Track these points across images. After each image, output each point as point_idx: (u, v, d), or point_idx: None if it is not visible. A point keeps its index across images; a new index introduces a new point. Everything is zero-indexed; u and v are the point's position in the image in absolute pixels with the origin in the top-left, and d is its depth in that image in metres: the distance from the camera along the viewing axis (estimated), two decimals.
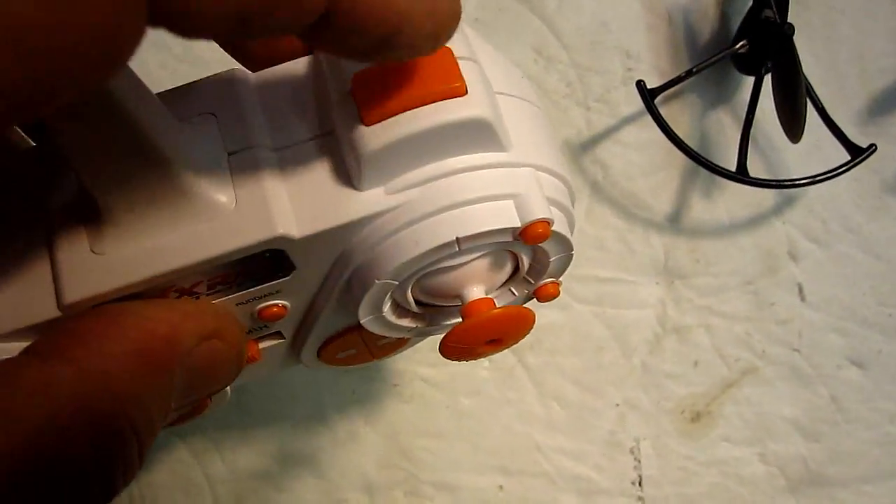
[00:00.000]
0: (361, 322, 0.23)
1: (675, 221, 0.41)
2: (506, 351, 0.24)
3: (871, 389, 0.42)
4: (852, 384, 0.41)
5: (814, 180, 0.39)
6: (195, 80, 0.21)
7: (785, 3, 0.38)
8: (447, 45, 0.18)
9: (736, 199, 0.41)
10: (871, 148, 0.38)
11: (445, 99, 0.19)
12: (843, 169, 0.38)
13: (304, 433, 0.39)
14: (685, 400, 0.41)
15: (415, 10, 0.16)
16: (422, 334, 0.25)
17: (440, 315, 0.24)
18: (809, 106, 0.38)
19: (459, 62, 0.19)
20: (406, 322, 0.24)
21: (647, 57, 0.41)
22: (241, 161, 0.20)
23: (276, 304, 0.22)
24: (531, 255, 0.23)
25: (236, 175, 0.19)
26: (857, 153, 0.38)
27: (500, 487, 0.39)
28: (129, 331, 0.18)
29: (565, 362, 0.40)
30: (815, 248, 0.42)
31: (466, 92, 0.19)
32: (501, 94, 0.21)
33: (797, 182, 0.39)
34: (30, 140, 0.21)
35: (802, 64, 0.36)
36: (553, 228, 0.21)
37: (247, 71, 0.21)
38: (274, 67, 0.21)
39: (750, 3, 0.39)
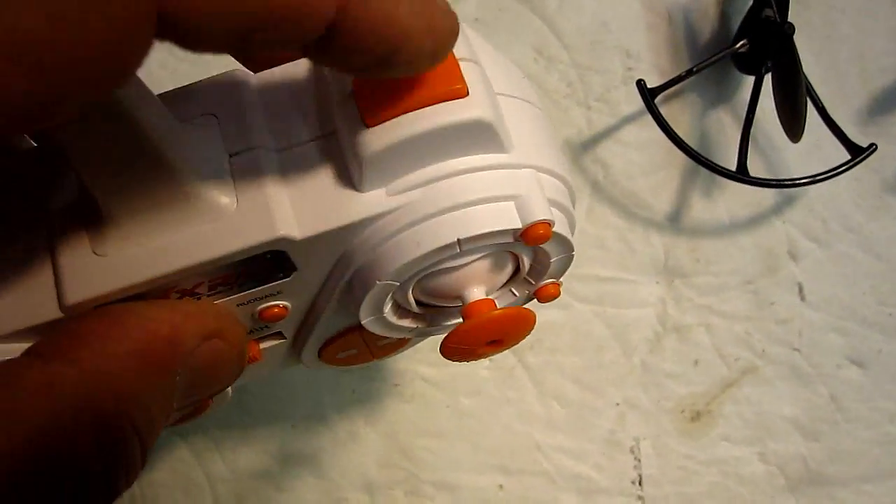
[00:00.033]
0: (362, 323, 0.23)
1: (675, 221, 0.41)
2: (506, 350, 0.24)
3: (871, 389, 0.42)
4: (852, 383, 0.42)
5: (814, 180, 0.39)
6: (196, 80, 0.21)
7: (785, 3, 0.38)
8: None
9: (736, 199, 0.41)
10: (872, 147, 0.38)
11: (447, 100, 0.19)
12: (844, 168, 0.38)
13: (305, 433, 0.39)
14: (685, 399, 0.41)
15: (415, 28, 0.16)
16: (422, 335, 0.25)
17: (441, 315, 0.24)
18: (810, 105, 0.38)
19: (460, 63, 0.19)
20: (407, 322, 0.24)
21: (648, 56, 0.41)
22: (242, 162, 0.20)
23: (277, 305, 0.22)
24: (532, 255, 0.23)
25: (237, 176, 0.19)
26: (858, 153, 0.38)
27: (501, 487, 0.40)
28: (132, 331, 0.18)
29: (565, 361, 0.40)
30: (816, 248, 0.42)
31: (468, 93, 0.19)
32: (502, 95, 0.21)
33: (797, 181, 0.39)
34: (30, 140, 0.21)
35: (802, 63, 0.36)
36: (554, 229, 0.21)
37: (248, 72, 0.21)
38: (275, 69, 0.21)
39: (750, 3, 0.39)
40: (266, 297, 0.22)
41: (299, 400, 0.39)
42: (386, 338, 0.25)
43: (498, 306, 0.22)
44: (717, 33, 0.41)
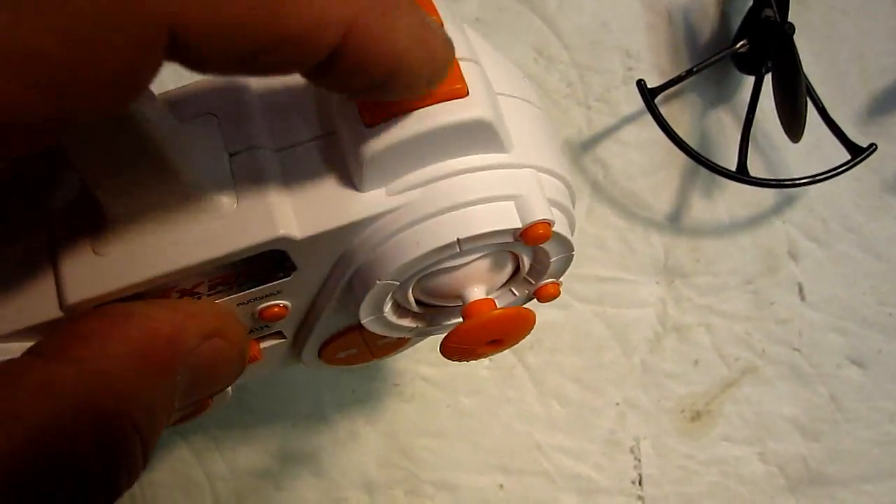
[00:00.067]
0: (362, 322, 0.23)
1: (675, 221, 0.41)
2: (506, 350, 0.24)
3: (871, 389, 0.42)
4: (852, 383, 0.42)
5: (814, 180, 0.39)
6: (196, 80, 0.21)
7: (785, 3, 0.38)
8: None
9: (736, 199, 0.41)
10: (872, 147, 0.38)
11: (447, 100, 0.19)
12: (844, 168, 0.38)
13: (305, 432, 0.39)
14: (685, 399, 0.41)
15: (414, 56, 0.16)
16: (422, 334, 0.25)
17: (441, 315, 0.24)
18: (810, 105, 0.38)
19: (460, 63, 0.19)
20: (407, 322, 0.24)
21: (648, 56, 0.41)
22: (242, 162, 0.20)
23: (278, 305, 0.22)
24: (532, 255, 0.23)
25: (238, 176, 0.19)
26: (858, 153, 0.38)
27: (501, 486, 0.40)
28: (132, 331, 0.18)
29: (565, 361, 0.40)
30: (816, 248, 0.42)
31: (468, 93, 0.19)
32: (502, 94, 0.21)
33: (797, 181, 0.39)
34: None
35: (803, 63, 0.36)
36: (554, 229, 0.21)
37: None
38: None
39: (750, 3, 0.39)
40: (266, 296, 0.22)
41: (299, 399, 0.39)
42: (386, 337, 0.25)
43: (498, 306, 0.22)
44: (717, 33, 0.41)
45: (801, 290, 0.42)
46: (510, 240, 0.21)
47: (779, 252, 0.42)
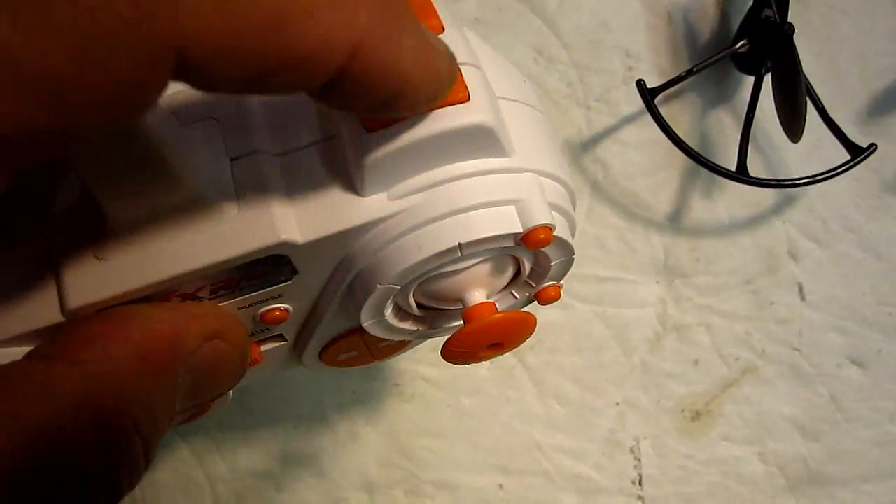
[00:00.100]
0: (363, 326, 0.23)
1: (675, 221, 0.41)
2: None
3: (871, 388, 0.42)
4: (852, 383, 0.42)
5: (814, 180, 0.39)
6: None
7: (785, 3, 0.38)
8: None
9: (736, 199, 0.41)
10: (872, 147, 0.38)
11: (448, 105, 0.19)
12: (844, 168, 0.38)
13: (305, 433, 0.39)
14: (685, 399, 0.41)
15: (418, 75, 0.17)
16: (423, 337, 0.25)
17: (442, 318, 0.24)
18: (809, 105, 0.38)
19: (462, 68, 0.19)
20: (408, 325, 0.24)
21: (648, 56, 0.41)
22: (243, 166, 0.20)
23: (279, 308, 0.22)
24: (533, 259, 0.23)
25: (239, 181, 0.19)
26: (858, 153, 0.38)
27: (500, 486, 0.40)
28: (133, 333, 0.18)
29: (565, 361, 0.40)
30: (815, 248, 0.42)
31: (469, 98, 0.19)
32: (503, 98, 0.21)
33: (797, 181, 0.39)
34: None
35: (802, 63, 0.36)
36: (554, 233, 0.21)
37: None
38: None
39: (750, 3, 0.39)
40: (267, 300, 0.22)
41: (300, 400, 0.39)
42: (387, 340, 0.25)
43: (498, 309, 0.22)
44: (716, 33, 0.41)
45: (801, 289, 0.42)
46: (511, 244, 0.21)
47: (779, 252, 0.42)
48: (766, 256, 0.41)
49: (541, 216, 0.20)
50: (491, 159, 0.20)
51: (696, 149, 0.38)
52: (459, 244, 0.20)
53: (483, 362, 0.39)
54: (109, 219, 0.19)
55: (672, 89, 0.38)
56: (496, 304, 0.22)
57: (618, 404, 0.41)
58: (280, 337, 0.25)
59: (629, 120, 0.41)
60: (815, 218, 0.42)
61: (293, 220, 0.19)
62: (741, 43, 0.38)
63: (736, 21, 0.40)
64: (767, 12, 0.37)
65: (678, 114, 0.41)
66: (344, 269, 0.21)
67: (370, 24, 0.15)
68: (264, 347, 0.25)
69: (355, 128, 0.19)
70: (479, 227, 0.20)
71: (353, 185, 0.20)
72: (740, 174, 0.38)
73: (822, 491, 0.41)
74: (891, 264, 0.42)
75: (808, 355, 0.41)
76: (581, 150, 0.41)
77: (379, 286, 0.21)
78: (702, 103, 0.41)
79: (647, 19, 0.41)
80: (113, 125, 0.14)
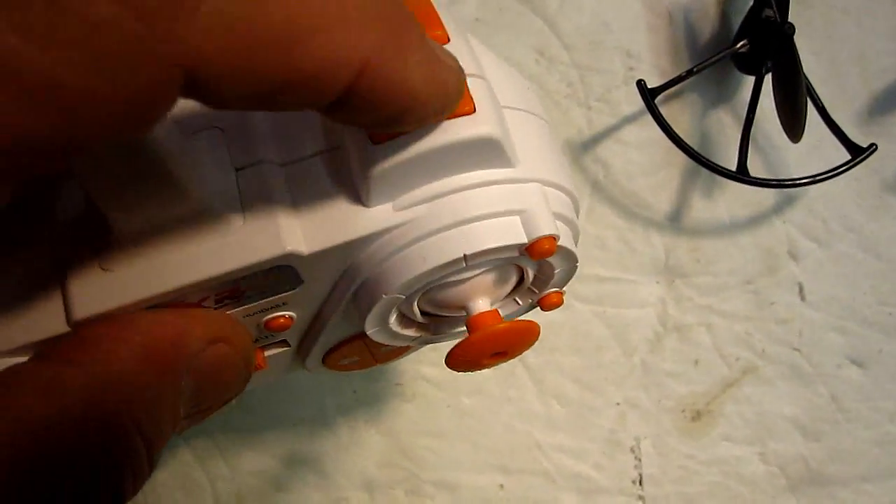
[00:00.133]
0: (367, 333, 0.23)
1: (675, 220, 0.41)
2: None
3: (871, 388, 0.42)
4: (852, 383, 0.42)
5: (814, 180, 0.39)
6: None
7: (785, 3, 0.38)
8: None
9: (736, 199, 0.41)
10: (872, 147, 0.38)
11: (454, 117, 0.19)
12: (844, 168, 0.38)
13: (306, 433, 0.39)
14: (685, 399, 0.41)
15: (426, 91, 0.17)
16: (426, 342, 0.25)
17: (445, 324, 0.24)
18: (810, 105, 0.38)
19: (467, 79, 0.19)
20: (411, 332, 0.24)
21: (648, 56, 0.41)
22: (248, 177, 0.20)
23: (283, 316, 0.22)
24: (536, 267, 0.23)
25: (244, 191, 0.19)
26: (858, 153, 0.38)
27: (501, 486, 0.40)
28: (136, 334, 0.18)
29: (565, 361, 0.40)
30: (816, 248, 0.42)
31: (475, 110, 0.19)
32: (507, 107, 0.21)
33: (797, 181, 0.39)
34: None
35: (803, 63, 0.36)
36: (559, 243, 0.21)
37: None
38: None
39: (750, 3, 0.39)
40: (272, 308, 0.22)
41: (301, 400, 0.39)
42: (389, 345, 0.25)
43: (501, 315, 0.22)
44: (717, 33, 0.41)
45: (801, 289, 0.42)
46: (516, 254, 0.21)
47: (779, 252, 0.42)
48: (766, 256, 0.41)
49: (545, 227, 0.20)
50: (496, 170, 0.20)
51: (696, 149, 0.38)
52: (464, 255, 0.20)
53: None
54: (114, 230, 0.19)
55: (672, 89, 0.38)
56: (499, 310, 0.22)
57: (618, 404, 0.41)
58: (283, 343, 0.25)
59: (630, 120, 0.41)
60: (816, 218, 0.42)
61: (299, 232, 0.19)
62: (741, 43, 0.38)
63: (736, 21, 0.40)
64: (768, 12, 0.37)
65: (678, 114, 0.41)
66: (349, 278, 0.21)
67: (378, 42, 0.15)
68: (268, 353, 0.25)
69: (361, 139, 0.19)
70: (484, 238, 0.20)
71: (358, 195, 0.20)
72: (740, 174, 0.38)
73: (822, 491, 0.41)
74: (891, 264, 0.42)
75: (809, 355, 0.41)
76: (581, 149, 0.41)
77: (384, 296, 0.21)
78: (702, 103, 0.41)
79: (647, 20, 0.41)
80: (121, 139, 0.14)
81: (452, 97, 0.18)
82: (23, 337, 0.19)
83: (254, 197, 0.19)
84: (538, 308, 0.24)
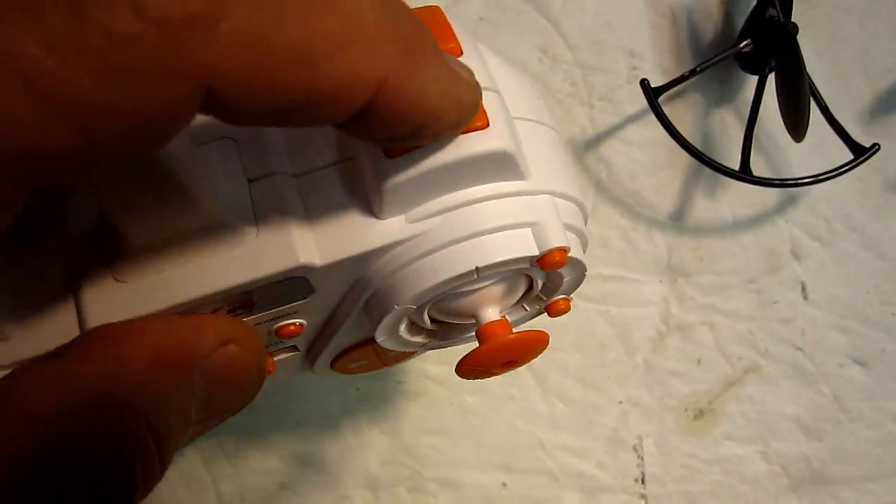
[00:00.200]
0: (377, 341, 0.23)
1: (678, 220, 0.41)
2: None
3: (874, 388, 0.42)
4: (855, 383, 0.42)
5: (817, 179, 0.39)
6: None
7: (789, 3, 0.38)
8: None
9: (739, 198, 0.41)
10: (875, 147, 0.38)
11: (467, 132, 0.19)
12: (847, 168, 0.39)
13: (309, 431, 0.39)
14: (688, 398, 0.41)
15: (442, 107, 0.17)
16: (434, 348, 0.25)
17: (454, 330, 0.24)
18: (813, 105, 0.38)
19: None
20: (420, 338, 0.24)
21: (651, 56, 0.41)
22: (261, 188, 0.20)
23: (294, 323, 0.22)
24: (545, 276, 0.23)
25: (257, 202, 0.19)
26: (861, 152, 0.38)
27: (504, 484, 0.40)
28: (147, 334, 0.18)
29: (569, 360, 0.40)
30: (818, 247, 0.42)
31: (488, 124, 0.19)
32: (519, 119, 0.21)
33: (800, 181, 0.39)
34: None
35: (806, 63, 0.36)
36: (569, 255, 0.21)
37: None
38: None
39: (754, 3, 0.39)
40: (283, 316, 0.22)
41: (304, 398, 0.39)
42: None
43: (509, 321, 0.22)
44: (720, 33, 0.41)
45: (803, 289, 0.42)
46: (527, 265, 0.21)
47: (782, 251, 0.42)
48: (768, 256, 0.42)
49: (556, 239, 0.20)
50: (508, 182, 0.20)
51: (699, 148, 0.38)
52: (476, 268, 0.20)
53: None
54: (127, 241, 0.19)
55: (675, 89, 0.38)
56: (507, 316, 0.22)
57: (621, 403, 0.41)
58: (293, 347, 0.25)
59: (633, 119, 0.41)
60: (818, 217, 0.42)
61: (312, 243, 0.19)
62: (745, 42, 0.38)
63: (739, 21, 0.40)
64: (771, 12, 0.37)
65: (682, 113, 0.41)
66: (360, 287, 0.21)
67: (395, 60, 0.15)
68: (277, 358, 0.25)
69: (374, 152, 0.19)
70: (496, 250, 0.20)
71: (371, 207, 0.20)
72: (743, 173, 0.38)
73: (824, 490, 0.41)
74: (894, 264, 0.42)
75: (811, 355, 0.41)
76: (585, 149, 0.41)
77: (396, 306, 0.21)
78: (705, 103, 0.41)
79: (650, 19, 0.41)
80: (138, 153, 0.14)
81: (468, 112, 0.18)
82: (38, 347, 0.19)
83: (267, 208, 0.19)
84: (546, 315, 0.25)
